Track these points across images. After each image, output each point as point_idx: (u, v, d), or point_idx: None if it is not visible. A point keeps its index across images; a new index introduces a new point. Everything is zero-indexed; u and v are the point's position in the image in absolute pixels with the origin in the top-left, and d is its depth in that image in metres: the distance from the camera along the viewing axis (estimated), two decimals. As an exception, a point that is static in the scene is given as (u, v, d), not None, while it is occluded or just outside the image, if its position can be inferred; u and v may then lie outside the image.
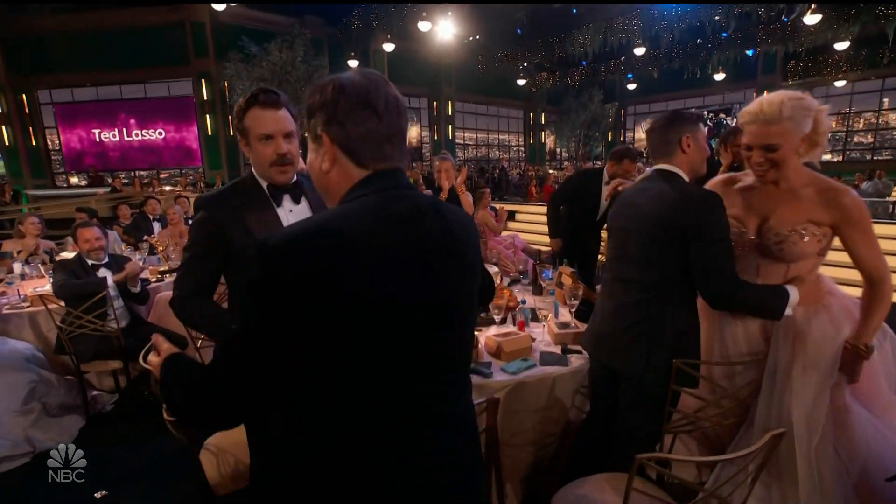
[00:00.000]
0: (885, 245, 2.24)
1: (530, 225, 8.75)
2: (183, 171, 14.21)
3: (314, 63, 11.32)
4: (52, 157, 14.04)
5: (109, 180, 12.68)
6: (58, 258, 3.69)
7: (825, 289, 1.62)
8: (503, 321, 2.24)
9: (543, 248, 3.91)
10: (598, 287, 1.97)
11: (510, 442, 1.82)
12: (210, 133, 13.19)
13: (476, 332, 2.07)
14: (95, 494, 2.29)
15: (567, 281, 2.41)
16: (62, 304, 2.85)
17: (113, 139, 14.02)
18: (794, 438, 1.47)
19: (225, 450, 1.75)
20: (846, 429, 1.52)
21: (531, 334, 2.06)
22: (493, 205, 4.88)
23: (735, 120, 18.33)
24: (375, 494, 0.80)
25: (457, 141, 18.86)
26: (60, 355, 2.96)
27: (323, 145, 0.80)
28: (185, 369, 0.86)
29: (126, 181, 12.63)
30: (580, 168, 14.07)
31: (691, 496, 1.19)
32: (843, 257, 1.54)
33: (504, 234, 4.88)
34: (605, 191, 3.51)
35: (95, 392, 3.20)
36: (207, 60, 12.41)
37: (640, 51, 12.74)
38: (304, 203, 1.45)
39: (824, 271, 1.67)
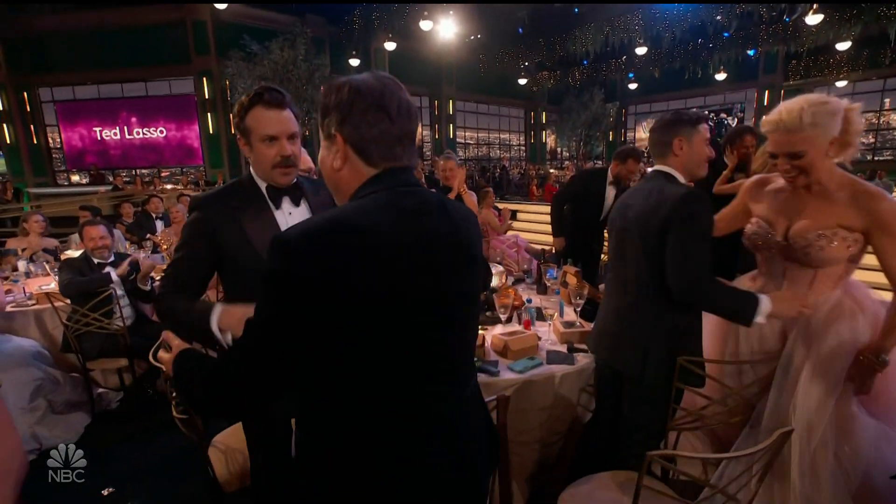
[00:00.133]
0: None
1: (532, 224, 8.76)
2: (184, 170, 14.22)
3: (315, 62, 11.30)
4: (54, 155, 14.03)
5: (110, 178, 12.68)
6: (63, 257, 3.70)
7: (857, 297, 1.56)
8: (509, 320, 2.24)
9: (546, 248, 3.92)
10: (601, 286, 1.99)
11: (517, 440, 1.83)
12: (211, 131, 13.18)
13: (482, 331, 2.08)
14: (102, 492, 2.30)
15: (572, 280, 2.42)
16: (68, 302, 2.86)
17: (114, 137, 14.01)
18: (791, 441, 1.45)
19: (233, 447, 1.77)
20: (850, 437, 1.48)
21: (537, 333, 2.07)
22: (496, 205, 4.88)
23: (736, 120, 18.33)
24: (375, 494, 0.81)
25: (458, 140, 18.86)
26: (66, 353, 2.97)
27: (335, 144, 0.82)
28: (198, 362, 0.88)
29: (127, 179, 12.64)
30: (581, 168, 14.08)
31: (696, 493, 1.20)
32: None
33: (508, 233, 4.89)
34: (609, 191, 3.53)
35: (101, 390, 3.21)
36: (209, 59, 12.40)
37: (641, 50, 12.72)
38: (303, 206, 1.41)
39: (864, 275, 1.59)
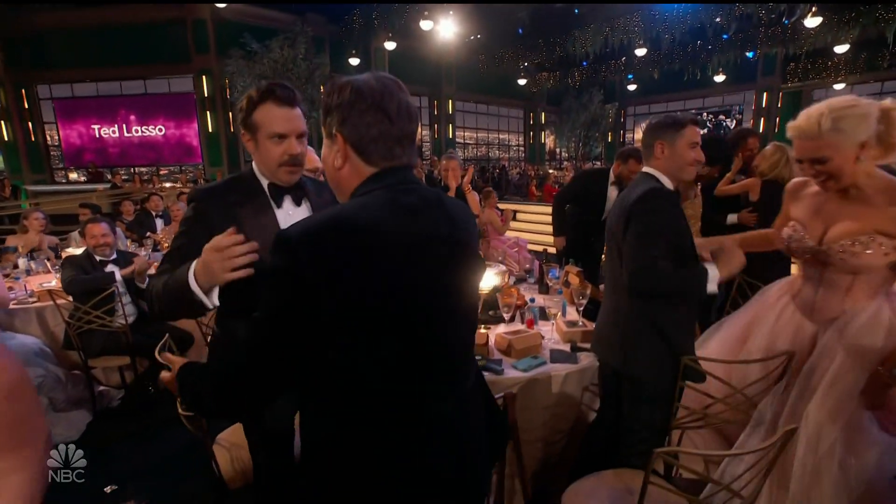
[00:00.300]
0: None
1: (531, 224, 8.77)
2: (183, 168, 14.17)
3: (316, 61, 11.30)
4: (52, 153, 13.95)
5: (109, 176, 12.64)
6: (65, 254, 3.69)
7: None
8: (512, 319, 2.25)
9: (547, 248, 3.93)
10: (602, 286, 2.02)
11: (520, 438, 1.83)
12: (210, 130, 13.13)
13: (485, 330, 2.09)
14: (105, 489, 2.30)
15: (574, 280, 2.43)
16: (70, 299, 2.86)
17: (113, 135, 13.94)
18: (797, 445, 1.43)
19: (237, 444, 1.77)
20: (858, 450, 1.42)
21: (540, 332, 2.08)
22: (498, 205, 4.89)
23: (734, 122, 18.39)
24: (376, 493, 0.82)
25: (457, 140, 18.85)
26: (68, 350, 2.97)
27: (336, 143, 0.83)
28: (200, 371, 0.89)
29: (126, 177, 12.58)
30: (580, 168, 14.10)
31: (697, 492, 1.21)
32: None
33: (508, 234, 4.88)
34: (612, 191, 3.55)
35: (102, 387, 3.21)
36: (209, 57, 12.35)
37: (640, 52, 12.76)
38: (304, 206, 1.39)
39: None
